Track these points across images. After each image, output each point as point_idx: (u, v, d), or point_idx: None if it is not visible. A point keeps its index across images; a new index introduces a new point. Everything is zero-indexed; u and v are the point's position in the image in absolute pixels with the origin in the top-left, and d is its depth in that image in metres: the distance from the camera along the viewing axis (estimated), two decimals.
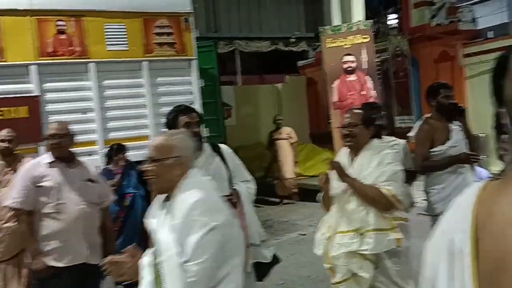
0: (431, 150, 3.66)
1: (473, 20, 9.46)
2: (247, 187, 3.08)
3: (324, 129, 9.67)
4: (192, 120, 2.93)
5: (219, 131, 6.56)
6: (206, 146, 3.00)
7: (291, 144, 8.79)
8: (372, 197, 2.81)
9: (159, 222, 2.00)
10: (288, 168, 8.75)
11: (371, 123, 3.01)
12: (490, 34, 9.24)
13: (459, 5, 9.59)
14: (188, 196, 1.93)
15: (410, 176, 3.63)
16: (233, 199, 2.91)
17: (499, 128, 2.42)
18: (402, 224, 2.89)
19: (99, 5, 5.19)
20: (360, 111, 3.10)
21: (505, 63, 0.81)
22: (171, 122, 2.95)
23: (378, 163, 2.87)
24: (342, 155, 3.08)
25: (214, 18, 12.02)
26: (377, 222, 2.81)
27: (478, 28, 9.38)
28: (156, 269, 1.89)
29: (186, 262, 1.83)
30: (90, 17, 5.14)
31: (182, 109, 3.00)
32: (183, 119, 2.91)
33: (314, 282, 4.78)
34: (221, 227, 1.90)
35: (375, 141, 3.01)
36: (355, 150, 2.98)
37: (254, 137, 10.58)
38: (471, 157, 3.62)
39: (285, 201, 8.88)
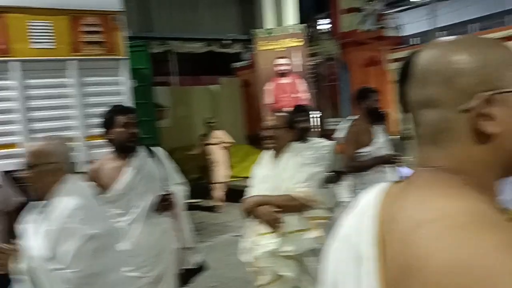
0: (358, 151, 3.80)
1: (399, 27, 9.94)
2: (178, 190, 3.08)
3: (259, 130, 9.74)
4: (130, 120, 2.88)
5: (152, 133, 6.44)
6: (141, 148, 2.97)
7: (224, 147, 8.76)
8: (287, 205, 2.87)
9: (35, 227, 1.97)
10: (219, 173, 8.70)
11: (294, 126, 3.08)
12: (417, 41, 9.76)
13: (385, 12, 10.04)
14: (66, 202, 1.91)
15: (337, 177, 3.77)
16: (169, 199, 2.91)
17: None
18: (324, 222, 2.99)
19: (23, 1, 4.94)
20: (282, 113, 3.16)
21: (408, 69, 0.84)
22: (108, 122, 2.88)
23: (298, 164, 2.95)
24: (266, 158, 3.13)
25: (148, 18, 11.79)
26: (298, 223, 2.88)
27: (403, 34, 9.86)
28: (31, 276, 1.86)
29: (62, 269, 1.81)
30: (13, 13, 4.89)
31: (120, 109, 2.95)
32: (121, 119, 2.85)
33: (248, 283, 4.80)
34: (100, 236, 1.90)
35: (297, 143, 3.09)
36: (277, 152, 3.04)
37: (190, 139, 10.51)
38: (394, 158, 3.80)
39: (217, 204, 8.84)
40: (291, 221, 2.88)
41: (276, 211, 2.88)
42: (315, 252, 2.89)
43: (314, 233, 2.88)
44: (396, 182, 0.86)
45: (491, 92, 0.75)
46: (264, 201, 2.92)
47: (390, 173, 3.79)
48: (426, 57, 0.82)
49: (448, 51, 0.80)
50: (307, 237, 2.87)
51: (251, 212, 2.95)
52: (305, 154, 3.03)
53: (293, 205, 2.88)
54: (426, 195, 0.75)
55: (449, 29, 13.28)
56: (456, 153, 0.78)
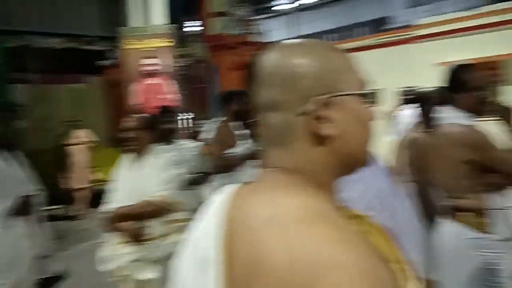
0: (226, 152, 3.87)
1: (264, 33, 10.36)
2: (36, 195, 2.94)
3: (119, 132, 9.42)
4: None
5: (8, 134, 5.91)
6: None
7: (88, 148, 8.34)
8: (146, 212, 2.83)
9: None
10: (82, 177, 8.26)
11: (157, 127, 3.05)
12: None
13: (251, 18, 10.42)
14: None
15: (204, 178, 3.80)
16: (27, 204, 2.76)
17: None
18: (187, 225, 2.99)
19: None
20: (142, 115, 3.12)
21: (253, 72, 0.85)
22: None
23: (158, 167, 2.92)
24: (126, 161, 3.05)
25: (4, 10, 10.80)
26: (160, 228, 2.85)
27: (268, 41, 10.30)
28: None
29: None
30: None
31: None
32: None
33: None
34: None
35: (160, 145, 3.06)
36: (138, 155, 2.97)
37: (51, 140, 9.82)
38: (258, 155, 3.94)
39: (78, 211, 8.37)
40: (152, 226, 2.84)
41: (139, 226, 2.81)
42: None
43: (176, 237, 2.87)
44: (246, 183, 0.86)
45: (328, 95, 0.79)
46: (123, 213, 2.83)
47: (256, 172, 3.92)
48: (269, 59, 0.84)
49: (289, 55, 0.82)
50: (169, 242, 2.84)
51: (113, 228, 2.87)
52: (167, 156, 3.00)
53: (152, 211, 2.82)
54: (269, 195, 0.77)
55: (310, 37, 14.23)
56: (297, 154, 0.81)
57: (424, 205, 3.07)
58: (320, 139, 0.80)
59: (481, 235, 2.31)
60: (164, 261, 2.86)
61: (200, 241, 0.80)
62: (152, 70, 8.25)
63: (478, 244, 2.28)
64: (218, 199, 0.85)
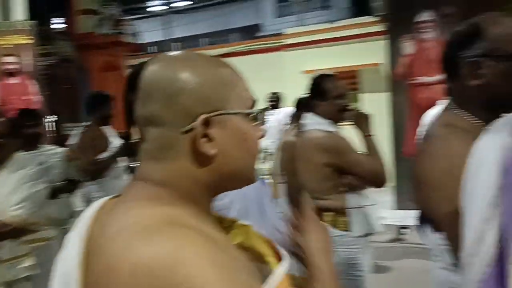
0: (96, 157, 3.70)
1: (136, 34, 10.11)
2: None
3: None
4: None
5: None
6: None
7: None
8: None
9: None
10: None
11: (20, 132, 2.82)
12: (154, 49, 10.08)
13: (122, 18, 10.10)
14: None
15: (72, 186, 3.59)
16: None
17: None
18: (47, 244, 2.79)
19: None
20: (2, 119, 2.86)
21: (135, 81, 0.82)
22: None
23: (17, 181, 2.67)
24: None
25: None
26: (10, 251, 2.62)
27: (140, 42, 10.08)
28: None
29: None
30: None
31: None
32: None
33: None
34: None
35: (22, 154, 2.81)
36: None
37: None
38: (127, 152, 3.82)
39: None
40: (3, 248, 2.59)
41: None
42: (29, 278, 2.66)
43: (28, 261, 2.65)
44: (114, 196, 0.84)
45: (210, 114, 0.77)
46: None
47: (128, 180, 3.80)
48: (151, 72, 0.80)
49: (171, 68, 0.79)
50: (19, 267, 2.62)
51: None
52: (29, 166, 2.73)
53: (5, 232, 2.56)
54: (129, 207, 0.75)
55: (183, 40, 14.28)
56: (172, 169, 0.78)
57: (294, 206, 3.25)
58: (200, 157, 0.78)
59: (341, 232, 2.50)
60: (12, 283, 2.63)
61: (65, 261, 0.78)
62: (12, 68, 7.57)
63: (339, 241, 2.47)
64: (86, 215, 0.82)
